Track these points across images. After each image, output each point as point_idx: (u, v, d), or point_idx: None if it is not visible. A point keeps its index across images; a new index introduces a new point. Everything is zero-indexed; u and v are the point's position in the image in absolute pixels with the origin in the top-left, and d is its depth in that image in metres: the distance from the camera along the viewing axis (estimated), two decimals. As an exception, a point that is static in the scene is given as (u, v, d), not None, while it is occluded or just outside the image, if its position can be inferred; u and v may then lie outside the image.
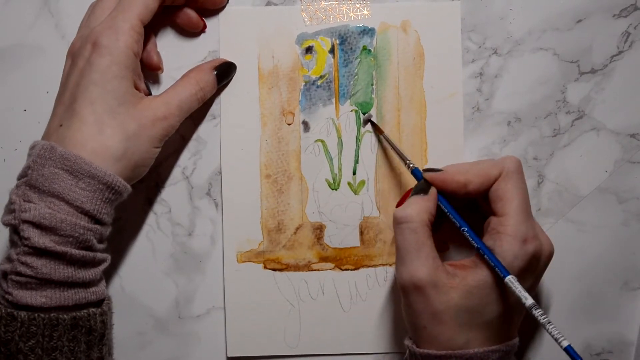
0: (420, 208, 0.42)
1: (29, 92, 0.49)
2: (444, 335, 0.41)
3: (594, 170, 0.49)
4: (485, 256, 0.39)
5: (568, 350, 0.34)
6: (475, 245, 0.40)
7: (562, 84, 0.49)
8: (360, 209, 0.49)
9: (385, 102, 0.49)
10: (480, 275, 0.41)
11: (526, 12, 0.49)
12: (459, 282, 0.41)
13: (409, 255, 0.41)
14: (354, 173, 0.49)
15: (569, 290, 0.50)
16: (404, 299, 0.43)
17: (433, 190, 0.44)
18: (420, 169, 0.45)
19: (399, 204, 0.45)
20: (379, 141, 0.48)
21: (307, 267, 0.49)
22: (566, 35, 0.49)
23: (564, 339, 0.34)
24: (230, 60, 0.48)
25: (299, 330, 0.49)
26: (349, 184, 0.49)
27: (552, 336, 0.35)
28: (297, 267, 0.49)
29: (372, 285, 0.49)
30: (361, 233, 0.49)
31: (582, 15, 0.49)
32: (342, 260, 0.49)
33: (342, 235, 0.49)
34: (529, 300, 0.36)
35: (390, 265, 0.49)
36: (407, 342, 0.44)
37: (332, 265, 0.49)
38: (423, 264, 0.41)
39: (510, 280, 0.38)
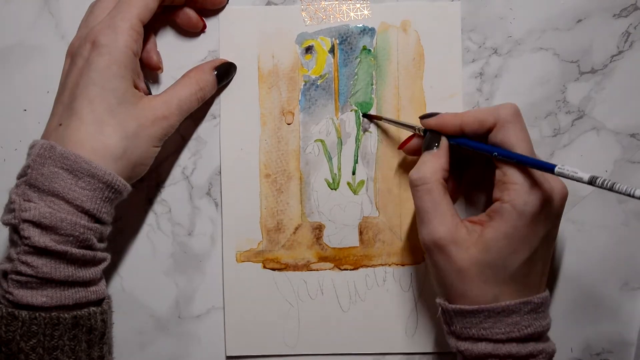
0: (433, 167, 0.42)
1: (29, 92, 0.49)
2: (472, 291, 0.41)
3: (594, 170, 0.49)
4: (527, 163, 0.39)
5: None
6: (514, 160, 0.40)
7: (562, 83, 0.49)
8: (360, 209, 0.49)
9: (385, 102, 0.49)
10: (495, 228, 0.40)
11: (526, 12, 0.49)
12: (477, 238, 0.41)
13: (427, 215, 0.42)
14: (354, 173, 0.49)
15: (569, 290, 0.50)
16: (429, 259, 0.43)
17: (443, 143, 0.43)
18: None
19: (400, 146, 0.47)
20: (378, 126, 0.49)
21: (306, 266, 0.49)
22: (566, 35, 0.49)
23: (635, 189, 0.34)
24: (230, 60, 0.48)
25: (298, 329, 0.49)
26: (348, 183, 0.49)
27: (622, 193, 0.34)
28: (296, 267, 0.49)
29: (371, 285, 0.49)
30: (360, 233, 0.49)
31: (582, 15, 0.49)
32: (341, 260, 0.49)
33: (341, 235, 0.49)
34: (586, 176, 0.36)
35: (389, 265, 0.49)
36: (439, 300, 0.43)
37: (331, 265, 0.49)
38: (441, 222, 0.41)
39: (560, 169, 0.37)
